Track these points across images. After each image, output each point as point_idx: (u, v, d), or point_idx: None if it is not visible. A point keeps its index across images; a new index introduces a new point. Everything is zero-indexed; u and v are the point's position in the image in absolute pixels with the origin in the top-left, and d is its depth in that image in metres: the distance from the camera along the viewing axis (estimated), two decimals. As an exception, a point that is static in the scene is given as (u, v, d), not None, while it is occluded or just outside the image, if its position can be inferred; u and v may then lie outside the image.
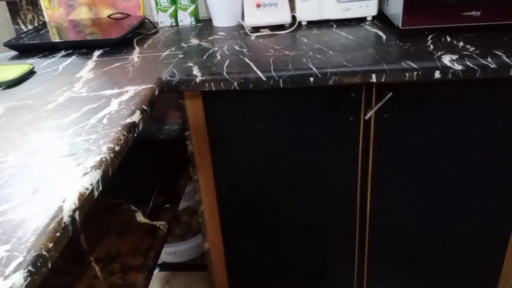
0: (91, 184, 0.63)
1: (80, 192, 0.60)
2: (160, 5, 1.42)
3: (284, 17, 1.30)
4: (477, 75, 0.97)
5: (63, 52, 1.24)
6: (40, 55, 1.23)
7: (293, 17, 1.32)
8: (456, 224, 1.24)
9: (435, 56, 1.00)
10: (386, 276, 1.35)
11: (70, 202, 0.58)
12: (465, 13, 1.11)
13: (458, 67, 0.96)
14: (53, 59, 1.19)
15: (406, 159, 1.15)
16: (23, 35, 1.34)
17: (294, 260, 1.35)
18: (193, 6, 1.42)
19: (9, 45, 1.26)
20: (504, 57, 0.97)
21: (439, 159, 1.14)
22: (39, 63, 1.16)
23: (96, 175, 0.65)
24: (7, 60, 1.23)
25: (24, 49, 1.27)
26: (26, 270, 0.48)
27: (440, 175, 1.17)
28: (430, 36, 1.13)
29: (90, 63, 1.13)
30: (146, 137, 1.48)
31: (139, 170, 1.31)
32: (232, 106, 1.11)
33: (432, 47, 1.06)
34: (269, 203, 1.26)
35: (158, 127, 1.46)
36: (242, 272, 1.40)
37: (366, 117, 1.10)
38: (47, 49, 1.27)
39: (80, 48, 1.26)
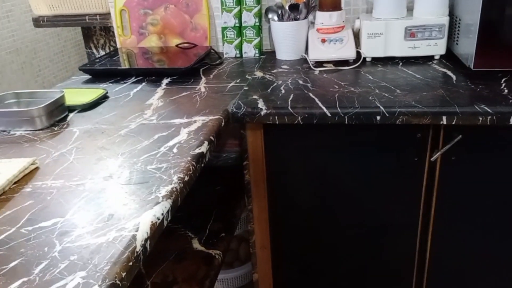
0: (162, 214, 0.64)
1: (152, 222, 0.62)
2: (227, 37, 1.46)
3: (348, 53, 1.30)
4: (557, 122, 0.92)
5: (133, 79, 1.30)
6: (112, 80, 1.30)
7: (358, 53, 1.32)
8: (525, 279, 1.16)
9: (510, 101, 0.95)
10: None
11: (143, 231, 0.60)
12: (543, 57, 1.06)
13: (536, 113, 0.92)
14: (124, 85, 1.25)
15: (471, 203, 1.09)
16: (97, 60, 1.42)
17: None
18: (258, 39, 1.45)
19: (84, 69, 1.34)
20: None
21: (505, 206, 1.08)
22: (111, 88, 1.22)
23: (167, 204, 0.66)
24: (81, 83, 1.30)
25: (97, 74, 1.34)
26: (102, 298, 0.49)
27: (504, 223, 1.10)
28: (503, 79, 1.09)
29: (160, 91, 1.18)
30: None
31: (196, 196, 1.33)
32: (292, 140, 1.11)
33: (506, 90, 1.02)
34: (322, 240, 1.23)
35: (216, 154, 1.49)
36: (291, 307, 1.36)
37: (432, 159, 1.06)
38: (119, 75, 1.33)
39: (150, 75, 1.31)
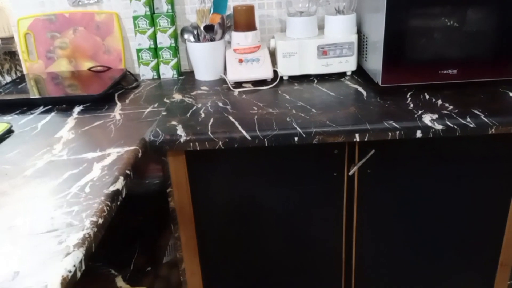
0: (74, 266, 0.60)
1: (63, 276, 0.57)
2: (142, 58, 1.42)
3: (266, 73, 1.32)
4: (457, 134, 0.99)
5: (42, 108, 1.22)
6: (18, 111, 1.20)
7: (275, 72, 1.34)
8: (440, 274, 1.24)
9: (416, 116, 1.02)
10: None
11: (51, 289, 0.55)
12: (442, 71, 1.15)
13: (438, 126, 0.98)
14: (31, 116, 1.16)
15: (389, 212, 1.15)
16: (1, 89, 1.31)
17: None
18: (175, 60, 1.43)
19: (-16, 101, 1.23)
20: (482, 116, 1.00)
21: (419, 212, 1.15)
22: (17, 121, 1.13)
23: (79, 254, 0.62)
24: (-16, 116, 1.19)
25: (1, 105, 1.24)
26: None
27: (420, 226, 1.17)
28: (409, 93, 1.16)
29: (70, 121, 1.11)
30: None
31: (118, 227, 1.27)
32: (215, 164, 1.09)
33: (412, 105, 1.09)
34: (253, 262, 1.23)
35: (136, 181, 1.43)
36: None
37: (350, 173, 1.10)
38: (25, 105, 1.24)
39: (60, 103, 1.23)
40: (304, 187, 1.12)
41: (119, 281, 1.00)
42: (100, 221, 0.70)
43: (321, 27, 1.36)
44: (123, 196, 0.81)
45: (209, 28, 1.34)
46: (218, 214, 1.16)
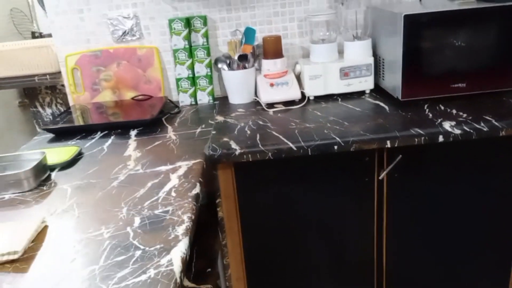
0: (185, 249, 0.74)
1: (181, 256, 0.71)
2: (181, 86, 1.58)
3: (294, 94, 1.48)
4: (473, 137, 1.15)
5: (99, 134, 1.36)
6: (78, 137, 1.35)
7: (302, 93, 1.50)
8: (462, 267, 1.37)
9: (436, 123, 1.18)
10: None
11: (177, 265, 0.69)
12: (453, 85, 1.32)
13: (457, 131, 1.15)
14: (92, 141, 1.31)
15: (416, 211, 1.30)
16: (58, 118, 1.46)
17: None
18: (210, 87, 1.59)
19: (47, 129, 1.37)
20: (493, 121, 1.16)
21: (444, 209, 1.30)
22: (81, 145, 1.27)
23: (187, 241, 0.76)
24: (46, 143, 1.33)
25: (62, 132, 1.38)
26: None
27: (446, 223, 1.31)
28: (425, 106, 1.33)
29: (132, 142, 1.25)
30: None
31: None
32: (260, 175, 1.24)
33: (431, 115, 1.25)
34: (294, 266, 1.36)
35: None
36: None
37: (380, 177, 1.25)
38: (83, 131, 1.38)
39: (115, 128, 1.38)
40: (339, 193, 1.26)
41: (185, 281, 1.13)
42: (193, 217, 0.84)
43: (340, 52, 1.54)
44: (200, 200, 0.95)
45: (243, 57, 1.51)
46: (262, 222, 1.30)
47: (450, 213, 1.30)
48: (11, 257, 0.74)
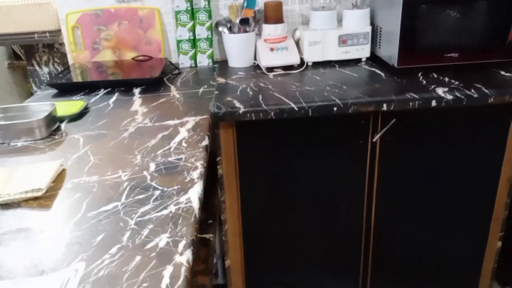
0: (200, 191, 0.79)
1: (198, 196, 0.76)
2: (182, 48, 1.61)
3: (294, 59, 1.53)
4: (464, 103, 1.22)
5: (103, 91, 1.39)
6: (82, 93, 1.37)
7: (301, 59, 1.54)
8: (445, 229, 1.47)
9: (430, 89, 1.25)
10: (387, 278, 1.55)
11: (195, 203, 0.74)
12: (446, 55, 1.38)
13: (449, 97, 1.21)
14: (97, 97, 1.33)
15: (407, 174, 1.37)
16: (60, 75, 1.47)
17: (309, 276, 1.51)
18: (210, 50, 1.62)
19: (52, 84, 1.39)
20: (483, 88, 1.23)
21: (433, 174, 1.38)
22: (86, 100, 1.30)
23: (201, 184, 0.81)
24: (51, 98, 1.35)
25: (66, 88, 1.40)
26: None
27: (434, 187, 1.40)
28: (419, 74, 1.39)
29: (137, 99, 1.29)
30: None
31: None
32: (260, 135, 1.29)
33: (424, 82, 1.31)
34: (287, 223, 1.43)
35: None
36: None
37: (374, 140, 1.32)
38: (87, 88, 1.40)
39: (119, 86, 1.40)
40: (334, 155, 1.33)
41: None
42: (205, 164, 0.89)
43: (339, 20, 1.58)
44: (209, 152, 1.00)
45: (244, 21, 1.54)
46: (259, 181, 1.36)
47: (438, 177, 1.38)
48: (35, 194, 0.78)
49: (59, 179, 0.85)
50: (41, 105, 1.13)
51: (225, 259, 1.51)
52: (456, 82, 1.29)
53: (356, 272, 1.52)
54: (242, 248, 1.48)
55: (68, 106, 1.21)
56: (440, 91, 1.23)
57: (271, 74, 1.48)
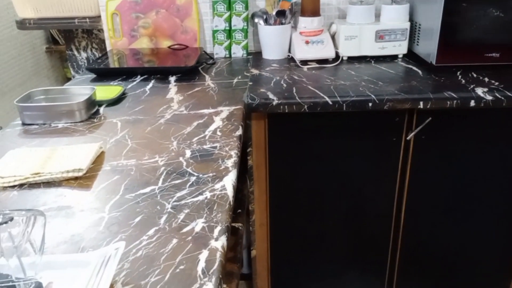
0: (234, 179, 0.80)
1: (232, 185, 0.77)
2: (217, 39, 1.62)
3: (329, 53, 1.52)
4: (504, 104, 1.19)
5: (139, 77, 1.41)
6: (120, 79, 1.40)
7: (336, 53, 1.53)
8: (475, 229, 1.44)
9: (469, 88, 1.22)
10: (414, 277, 1.53)
11: (230, 190, 0.75)
12: (486, 54, 1.34)
13: (489, 97, 1.18)
14: (134, 83, 1.36)
15: (439, 174, 1.35)
16: (99, 60, 1.51)
17: (335, 271, 1.51)
18: (245, 41, 1.63)
19: (91, 68, 1.43)
20: (525, 90, 1.20)
21: (466, 175, 1.35)
22: (124, 86, 1.32)
23: (235, 172, 0.82)
24: (89, 82, 1.39)
25: (104, 73, 1.43)
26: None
27: (466, 188, 1.37)
28: (458, 72, 1.36)
29: (172, 87, 1.31)
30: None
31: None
32: (292, 127, 1.29)
33: (463, 81, 1.28)
34: (316, 216, 1.43)
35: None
36: (284, 280, 1.55)
37: (408, 138, 1.30)
38: (124, 74, 1.43)
39: (155, 74, 1.43)
40: (366, 151, 1.32)
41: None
42: (239, 154, 0.90)
43: (377, 15, 1.56)
44: (242, 142, 1.01)
45: (281, 13, 1.54)
46: (289, 173, 1.36)
47: (470, 178, 1.35)
48: (76, 174, 0.80)
49: (98, 160, 0.87)
50: (81, 89, 1.17)
51: (251, 249, 1.52)
52: (496, 83, 1.26)
53: (383, 269, 1.51)
54: (269, 239, 1.49)
55: (107, 90, 1.24)
56: (479, 91, 1.20)
57: (305, 67, 1.48)
